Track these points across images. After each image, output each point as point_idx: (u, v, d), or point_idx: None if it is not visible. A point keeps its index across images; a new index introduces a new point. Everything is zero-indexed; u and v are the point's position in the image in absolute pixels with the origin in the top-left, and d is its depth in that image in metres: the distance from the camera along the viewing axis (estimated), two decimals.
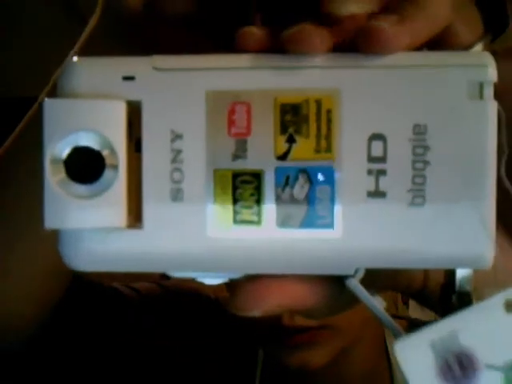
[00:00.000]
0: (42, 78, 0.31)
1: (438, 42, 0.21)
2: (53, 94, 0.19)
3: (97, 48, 0.27)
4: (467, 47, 0.23)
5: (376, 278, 0.20)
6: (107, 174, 0.18)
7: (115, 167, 0.18)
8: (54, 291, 0.37)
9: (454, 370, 0.17)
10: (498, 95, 0.18)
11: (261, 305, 0.19)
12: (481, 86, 0.18)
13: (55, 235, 0.19)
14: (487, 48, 0.24)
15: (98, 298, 0.45)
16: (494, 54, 0.24)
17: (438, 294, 0.21)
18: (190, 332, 0.51)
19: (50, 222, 0.18)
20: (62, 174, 0.18)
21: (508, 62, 0.24)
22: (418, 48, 0.19)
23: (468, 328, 0.17)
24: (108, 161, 0.18)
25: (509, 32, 0.24)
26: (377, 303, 0.19)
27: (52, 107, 0.18)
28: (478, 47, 0.23)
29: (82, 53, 0.22)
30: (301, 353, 0.52)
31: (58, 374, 0.42)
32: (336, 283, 0.19)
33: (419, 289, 0.23)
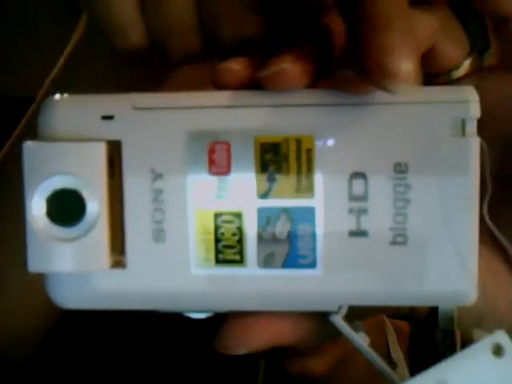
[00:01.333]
0: (42, 79, 0.31)
1: (424, 63, 0.21)
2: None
3: (108, 82, 0.25)
4: (454, 66, 0.23)
5: (361, 310, 0.20)
6: (89, 214, 0.18)
7: (97, 208, 0.18)
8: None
9: None
10: (484, 112, 0.18)
11: (246, 343, 0.19)
12: (463, 122, 0.18)
13: None
14: (474, 65, 0.23)
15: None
16: (481, 69, 0.23)
17: (424, 319, 0.21)
18: (187, 345, 0.51)
19: (34, 266, 0.18)
20: (44, 218, 0.18)
21: (493, 78, 0.23)
22: None
23: (456, 376, 0.17)
24: (89, 202, 0.18)
25: (492, 49, 0.23)
26: (360, 340, 0.19)
27: (31, 150, 0.18)
28: (466, 65, 0.23)
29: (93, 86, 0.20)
30: (302, 361, 0.52)
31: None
32: (320, 317, 0.19)
33: (407, 313, 0.23)
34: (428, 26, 0.20)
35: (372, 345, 0.19)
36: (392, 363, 0.19)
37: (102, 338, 0.44)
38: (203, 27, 0.21)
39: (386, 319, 0.60)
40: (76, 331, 0.43)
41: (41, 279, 0.35)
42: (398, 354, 0.58)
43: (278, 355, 0.53)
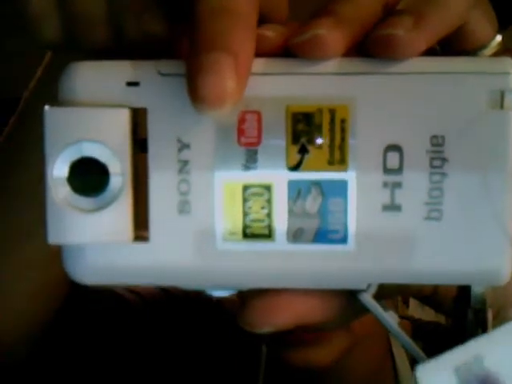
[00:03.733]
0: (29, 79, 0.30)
1: (453, 40, 0.21)
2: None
3: None
4: (484, 44, 0.22)
5: (387, 288, 0.20)
6: (112, 185, 0.18)
7: (121, 178, 0.18)
8: (47, 308, 0.36)
9: None
10: None
11: (272, 321, 0.19)
12: (502, 94, 0.17)
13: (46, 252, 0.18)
14: (501, 45, 0.23)
15: (99, 305, 0.44)
16: (508, 50, 0.23)
17: (448, 300, 0.21)
18: (191, 333, 0.50)
19: (54, 237, 0.17)
20: (65, 187, 0.17)
21: None
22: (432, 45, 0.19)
23: (493, 352, 0.17)
24: (113, 171, 0.18)
25: None
26: (390, 319, 0.18)
27: (53, 116, 0.17)
28: (494, 44, 0.23)
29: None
30: (304, 351, 0.51)
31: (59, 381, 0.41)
32: (347, 296, 0.19)
33: (430, 294, 0.23)
34: (462, 2, 0.19)
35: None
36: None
37: (96, 338, 0.42)
38: (111, 21, 0.21)
39: None
40: (76, 331, 0.41)
41: (32, 282, 0.34)
42: (400, 352, 0.58)
43: (280, 345, 0.52)
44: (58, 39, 0.21)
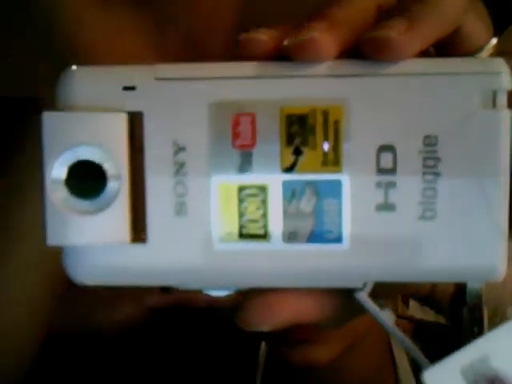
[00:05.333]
0: (43, 79, 0.30)
1: (449, 43, 0.21)
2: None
3: None
4: (479, 48, 0.22)
5: (384, 288, 0.20)
6: (110, 187, 0.18)
7: (118, 181, 0.18)
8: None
9: None
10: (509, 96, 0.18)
11: (269, 320, 0.19)
12: (494, 94, 0.17)
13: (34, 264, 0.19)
14: (496, 48, 0.23)
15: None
16: (503, 54, 0.23)
17: (446, 300, 0.21)
18: (187, 337, 0.51)
19: (53, 239, 0.18)
20: (64, 190, 0.18)
21: None
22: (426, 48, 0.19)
23: (498, 350, 0.17)
24: (110, 174, 0.18)
25: None
26: (386, 317, 0.18)
27: (51, 121, 0.18)
28: (489, 48, 0.23)
29: None
30: (304, 348, 0.51)
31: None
32: (344, 295, 0.19)
33: (427, 294, 0.23)
34: (457, 4, 0.19)
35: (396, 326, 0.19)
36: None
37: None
38: None
39: None
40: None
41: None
42: (400, 352, 0.58)
43: (279, 344, 0.52)
44: None
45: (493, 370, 0.16)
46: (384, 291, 0.19)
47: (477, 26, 0.21)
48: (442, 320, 0.28)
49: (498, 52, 0.23)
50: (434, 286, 0.22)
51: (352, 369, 0.55)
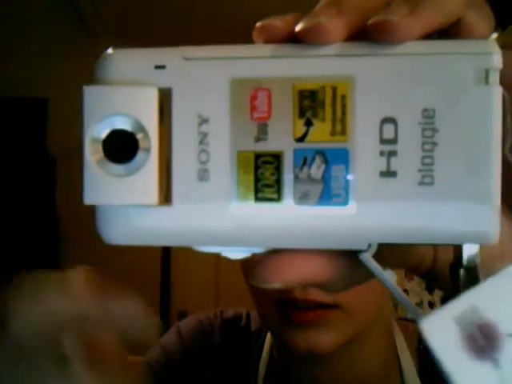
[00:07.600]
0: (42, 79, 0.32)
1: (451, 33, 0.23)
2: None
3: None
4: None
5: (388, 256, 0.21)
6: (140, 154, 0.20)
7: (148, 148, 0.20)
8: None
9: (479, 342, 0.18)
10: (506, 87, 0.19)
11: (281, 277, 0.21)
12: (486, 72, 0.19)
13: None
14: (497, 42, 0.25)
15: None
16: (504, 47, 0.25)
17: (446, 274, 0.22)
18: None
19: (89, 198, 0.20)
20: (100, 154, 0.20)
21: None
22: (430, 35, 0.21)
23: (488, 300, 0.18)
24: (141, 142, 0.20)
25: None
26: (388, 276, 0.20)
27: (91, 93, 0.20)
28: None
29: None
30: (309, 332, 0.51)
31: None
32: (350, 258, 0.21)
33: (429, 267, 0.24)
34: None
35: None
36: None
37: None
38: None
39: (393, 321, 0.60)
40: None
41: None
42: (405, 352, 0.58)
43: (284, 325, 0.51)
44: None
45: (483, 318, 0.18)
46: (387, 261, 0.21)
47: (478, 19, 0.23)
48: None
49: (500, 46, 0.25)
50: (434, 261, 0.24)
51: (360, 361, 0.55)
